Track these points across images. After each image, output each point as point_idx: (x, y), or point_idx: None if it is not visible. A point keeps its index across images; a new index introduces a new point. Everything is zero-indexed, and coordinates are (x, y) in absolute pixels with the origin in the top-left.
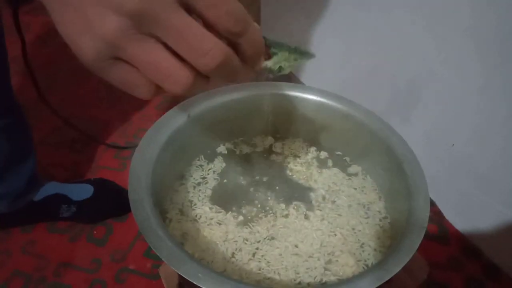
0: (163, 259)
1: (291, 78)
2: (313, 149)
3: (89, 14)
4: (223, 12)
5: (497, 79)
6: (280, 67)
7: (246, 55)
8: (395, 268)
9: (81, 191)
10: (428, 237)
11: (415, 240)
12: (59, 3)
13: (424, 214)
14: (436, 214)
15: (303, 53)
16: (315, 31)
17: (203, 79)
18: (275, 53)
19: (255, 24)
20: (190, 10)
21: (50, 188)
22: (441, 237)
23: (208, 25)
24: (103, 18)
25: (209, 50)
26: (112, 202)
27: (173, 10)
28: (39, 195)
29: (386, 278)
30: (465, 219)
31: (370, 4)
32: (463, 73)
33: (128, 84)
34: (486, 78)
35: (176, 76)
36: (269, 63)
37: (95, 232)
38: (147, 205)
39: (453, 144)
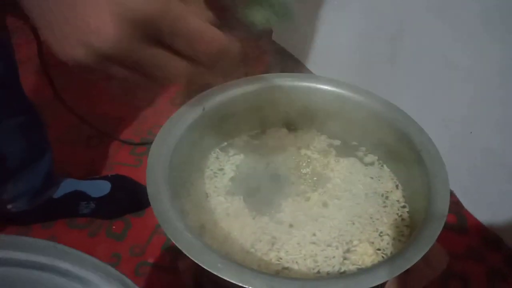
0: (183, 250)
1: (300, 68)
2: (328, 139)
3: (84, 14)
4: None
5: None
6: (254, 21)
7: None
8: (415, 257)
9: (99, 188)
10: (447, 227)
11: (435, 229)
12: None
13: (444, 203)
14: (454, 203)
15: (284, 14)
16: (323, 20)
17: (202, 69)
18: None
19: (234, 41)
20: None
21: (69, 185)
22: (460, 227)
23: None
24: (100, 22)
25: (210, 40)
26: (129, 198)
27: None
28: (58, 193)
29: (406, 267)
30: (484, 208)
31: None
32: (482, 61)
33: (129, 82)
34: (506, 65)
35: (181, 72)
36: (245, 14)
37: (114, 227)
38: (165, 198)
39: (471, 132)
